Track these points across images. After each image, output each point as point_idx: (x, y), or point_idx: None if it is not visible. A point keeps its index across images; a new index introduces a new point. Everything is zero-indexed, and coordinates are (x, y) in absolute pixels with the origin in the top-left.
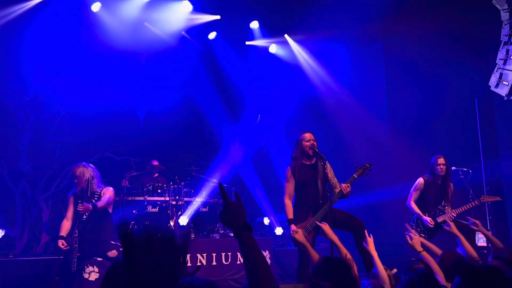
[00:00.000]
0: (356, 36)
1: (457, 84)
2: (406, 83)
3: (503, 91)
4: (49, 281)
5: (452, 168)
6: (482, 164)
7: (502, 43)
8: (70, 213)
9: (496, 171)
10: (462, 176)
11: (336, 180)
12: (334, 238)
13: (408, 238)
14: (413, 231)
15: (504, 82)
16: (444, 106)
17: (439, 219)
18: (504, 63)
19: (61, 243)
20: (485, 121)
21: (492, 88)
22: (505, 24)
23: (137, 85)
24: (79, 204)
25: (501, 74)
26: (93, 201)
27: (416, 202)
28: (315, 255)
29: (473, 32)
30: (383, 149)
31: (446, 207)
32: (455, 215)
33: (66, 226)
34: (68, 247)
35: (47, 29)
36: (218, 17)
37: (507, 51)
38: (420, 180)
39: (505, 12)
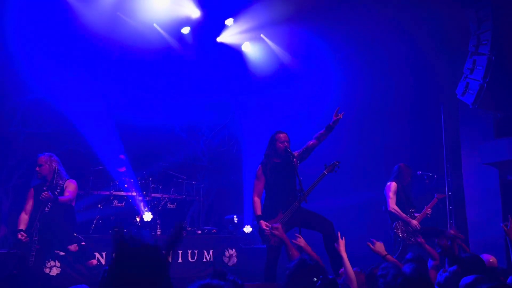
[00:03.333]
0: (331, 39)
1: (424, 91)
2: (373, 89)
3: (469, 100)
4: (7, 275)
5: (418, 172)
6: (445, 170)
7: (470, 53)
8: (29, 206)
9: (458, 177)
10: (427, 181)
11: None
12: (308, 249)
13: (370, 244)
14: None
15: (470, 91)
16: (411, 112)
17: (418, 220)
18: (471, 73)
19: (20, 235)
20: (450, 128)
21: (459, 96)
22: (473, 35)
23: (107, 76)
24: (44, 193)
25: (467, 83)
26: (56, 193)
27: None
28: (295, 252)
29: (442, 41)
30: (349, 154)
31: (413, 211)
32: (430, 211)
33: (24, 219)
34: (28, 239)
35: (10, 12)
36: (198, 13)
37: (474, 61)
38: (394, 183)
39: (474, 23)
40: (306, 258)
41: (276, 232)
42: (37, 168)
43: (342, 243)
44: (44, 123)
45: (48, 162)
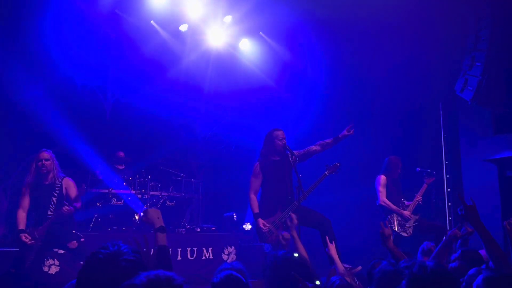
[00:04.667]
0: (329, 36)
1: (422, 88)
2: (371, 86)
3: (467, 96)
4: (4, 274)
5: (417, 169)
6: (444, 167)
7: (469, 49)
8: (26, 203)
9: (457, 173)
10: (426, 177)
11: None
12: (295, 235)
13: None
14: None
15: (469, 88)
16: (410, 109)
17: (410, 210)
18: (470, 69)
19: (24, 237)
20: (448, 125)
21: (458, 93)
22: (472, 31)
23: (106, 74)
24: (65, 207)
25: (466, 80)
26: (55, 194)
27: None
28: (303, 250)
29: (441, 38)
30: (348, 150)
31: (404, 201)
32: (421, 198)
33: (23, 217)
34: (33, 242)
35: (10, 9)
36: (197, 10)
37: (473, 57)
38: (383, 177)
39: (472, 19)
40: (288, 252)
41: (284, 242)
42: (44, 162)
43: (332, 247)
44: (42, 121)
45: (52, 158)
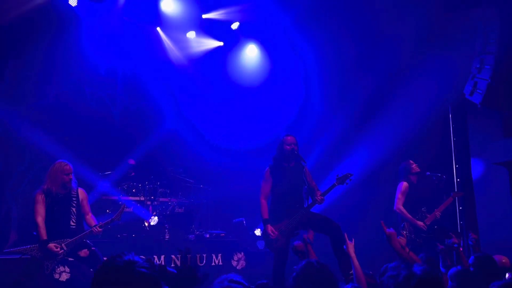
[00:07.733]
0: (337, 38)
1: (431, 91)
2: (381, 90)
3: (477, 99)
4: (14, 282)
5: (427, 173)
6: (454, 170)
7: (478, 52)
8: (43, 210)
9: (467, 177)
10: (436, 182)
11: (314, 183)
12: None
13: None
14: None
15: (479, 91)
16: (419, 113)
17: (427, 222)
18: (479, 72)
19: (54, 246)
20: (458, 129)
21: (467, 96)
22: (480, 34)
23: (113, 81)
24: (98, 229)
25: (475, 83)
26: (74, 204)
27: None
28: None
29: (449, 41)
30: (357, 154)
31: (425, 210)
32: (440, 214)
33: (45, 226)
34: (63, 250)
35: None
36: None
37: (482, 60)
38: (404, 183)
39: (481, 22)
40: (313, 261)
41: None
42: (70, 176)
43: (351, 245)
44: (53, 129)
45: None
